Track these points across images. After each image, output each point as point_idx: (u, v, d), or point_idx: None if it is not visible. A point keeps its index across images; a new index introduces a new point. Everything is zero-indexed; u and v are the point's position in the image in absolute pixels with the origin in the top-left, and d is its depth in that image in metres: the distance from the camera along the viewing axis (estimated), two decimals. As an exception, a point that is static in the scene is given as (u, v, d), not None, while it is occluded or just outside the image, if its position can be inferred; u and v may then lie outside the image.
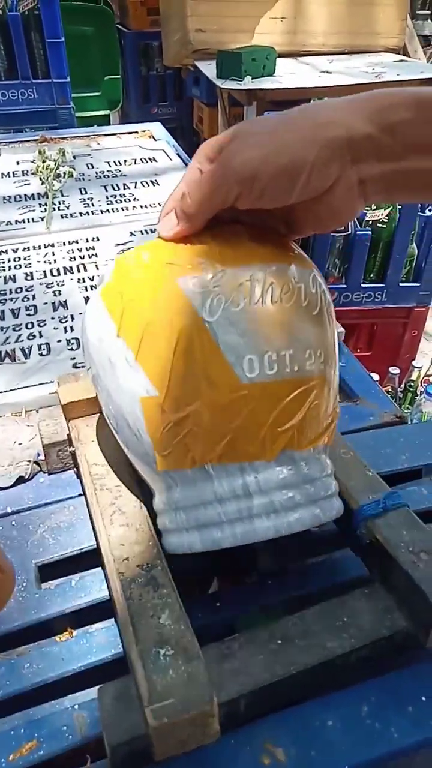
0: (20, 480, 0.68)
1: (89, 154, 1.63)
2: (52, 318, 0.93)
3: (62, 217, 1.26)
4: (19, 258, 1.10)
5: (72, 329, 0.91)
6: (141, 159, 1.59)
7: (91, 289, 1.01)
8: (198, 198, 0.45)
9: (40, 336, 0.89)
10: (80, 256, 1.10)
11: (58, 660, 0.50)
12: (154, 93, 3.52)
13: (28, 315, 0.94)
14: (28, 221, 1.24)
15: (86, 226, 1.22)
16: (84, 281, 1.03)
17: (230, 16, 2.60)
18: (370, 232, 1.59)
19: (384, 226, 1.62)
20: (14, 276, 1.04)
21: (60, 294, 0.99)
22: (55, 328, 0.91)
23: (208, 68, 2.44)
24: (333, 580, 0.55)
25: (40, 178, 1.43)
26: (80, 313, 0.94)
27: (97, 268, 1.06)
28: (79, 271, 1.06)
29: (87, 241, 1.16)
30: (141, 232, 1.20)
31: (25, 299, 0.98)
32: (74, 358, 0.84)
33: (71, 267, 1.07)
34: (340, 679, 0.47)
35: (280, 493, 0.46)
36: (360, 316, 1.71)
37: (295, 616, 0.48)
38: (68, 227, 1.22)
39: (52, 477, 0.69)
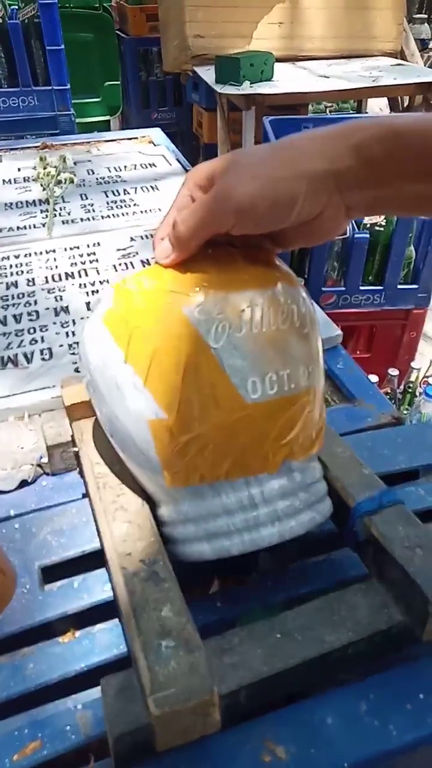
0: (23, 483, 0.70)
1: (89, 160, 1.64)
2: (54, 323, 0.94)
3: (63, 222, 1.28)
4: (21, 264, 1.11)
5: (73, 334, 0.92)
6: (141, 164, 1.61)
7: (93, 294, 1.02)
8: (192, 226, 0.47)
9: (42, 341, 0.90)
10: (81, 262, 1.12)
11: (61, 661, 0.51)
12: (154, 98, 3.54)
13: (30, 320, 0.95)
14: (30, 227, 1.26)
15: (87, 232, 1.24)
16: (85, 286, 1.04)
17: (228, 21, 2.62)
18: (368, 235, 1.60)
19: (382, 229, 1.64)
20: (16, 282, 1.06)
21: (61, 299, 1.01)
22: (57, 333, 0.92)
23: (207, 74, 2.46)
24: (332, 579, 0.56)
25: (41, 185, 1.44)
26: (81, 318, 0.95)
27: (98, 273, 1.08)
28: (80, 276, 1.07)
29: (88, 246, 1.17)
30: (141, 237, 1.21)
31: (27, 305, 0.99)
32: (76, 363, 0.86)
33: (72, 272, 1.08)
34: (339, 674, 0.48)
35: (281, 502, 0.49)
36: (359, 318, 1.72)
37: (293, 611, 0.49)
38: (69, 233, 1.23)
39: (54, 480, 0.70)
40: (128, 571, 0.48)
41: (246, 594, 0.56)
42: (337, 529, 0.56)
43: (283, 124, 1.80)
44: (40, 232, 1.24)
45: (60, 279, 1.06)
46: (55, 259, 1.13)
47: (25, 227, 1.26)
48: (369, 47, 2.82)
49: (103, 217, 1.31)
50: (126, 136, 1.86)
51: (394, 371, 1.65)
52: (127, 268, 1.10)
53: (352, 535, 0.53)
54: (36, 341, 0.90)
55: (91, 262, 1.12)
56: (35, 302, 1.00)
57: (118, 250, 1.16)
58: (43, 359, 0.87)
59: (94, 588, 0.57)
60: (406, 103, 2.78)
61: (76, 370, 0.84)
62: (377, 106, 3.85)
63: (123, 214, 1.32)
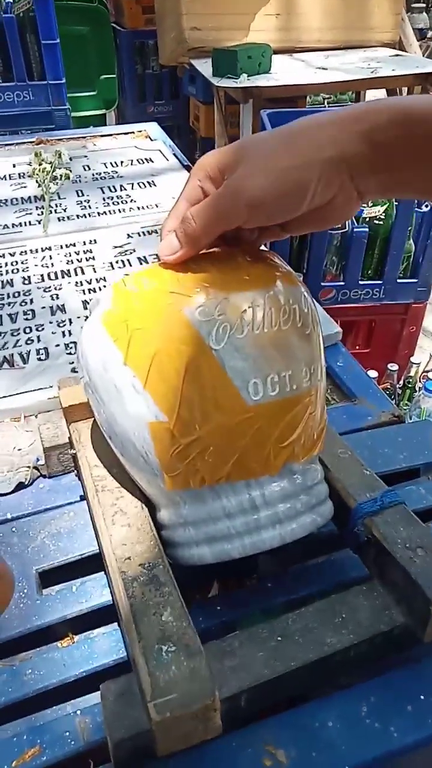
0: (20, 486, 0.69)
1: (85, 156, 1.63)
2: (50, 322, 0.94)
3: (59, 219, 1.27)
4: (17, 262, 1.11)
5: (70, 333, 0.91)
6: (137, 160, 1.60)
7: (89, 293, 1.01)
8: (204, 221, 0.46)
9: (39, 341, 0.90)
10: (78, 260, 1.11)
11: (60, 666, 0.50)
12: (150, 92, 3.51)
13: (26, 320, 0.94)
14: (25, 224, 1.25)
15: (83, 229, 1.23)
16: (81, 284, 1.03)
17: (225, 13, 2.59)
18: (367, 230, 1.59)
19: (381, 222, 1.63)
20: (12, 280, 1.05)
21: (58, 298, 1.00)
22: (53, 333, 0.91)
23: (204, 66, 2.44)
24: (332, 580, 0.56)
25: (37, 181, 1.43)
26: (78, 317, 0.95)
27: (95, 272, 1.07)
28: (76, 275, 1.06)
29: (84, 244, 1.16)
30: (138, 234, 1.20)
31: (23, 303, 0.98)
32: (72, 363, 0.85)
33: (69, 270, 1.07)
34: (340, 676, 0.48)
35: (282, 504, 0.49)
36: (358, 313, 1.72)
37: (294, 613, 0.49)
38: (65, 230, 1.22)
39: (51, 483, 0.70)
40: (128, 576, 0.48)
41: (246, 597, 0.55)
42: (338, 531, 0.56)
43: (281, 117, 1.79)
44: (36, 229, 1.23)
45: (56, 277, 1.06)
46: (50, 257, 1.12)
47: (20, 224, 1.25)
48: (367, 38, 2.80)
49: (99, 214, 1.30)
50: (122, 131, 1.84)
51: (393, 366, 1.64)
52: (124, 265, 1.09)
53: (353, 537, 0.52)
54: (32, 341, 0.90)
55: (87, 259, 1.11)
56: (31, 301, 0.99)
57: (115, 247, 1.15)
58: (40, 359, 0.86)
59: (92, 592, 0.57)
60: (405, 95, 2.76)
61: (73, 370, 0.83)
62: (375, 96, 3.82)
63: (120, 211, 1.31)
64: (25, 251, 1.14)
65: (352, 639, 0.47)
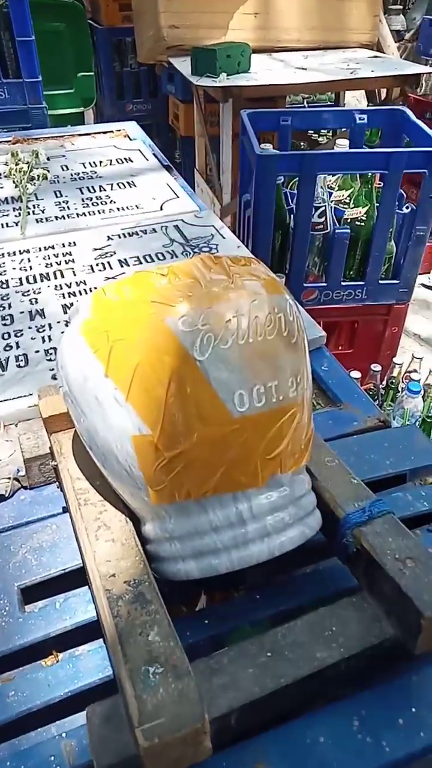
0: (0, 498, 0.67)
1: (63, 155, 1.60)
2: (29, 327, 0.92)
3: (37, 221, 1.24)
4: (-5, 265, 1.08)
5: (50, 339, 0.89)
6: (117, 159, 1.57)
7: (69, 296, 0.99)
8: None
9: (18, 347, 0.88)
10: (57, 262, 1.09)
11: (44, 686, 0.49)
12: (129, 90, 3.47)
13: (4, 325, 0.92)
14: (2, 226, 1.22)
15: (62, 231, 1.20)
16: (61, 288, 1.01)
17: (203, 11, 2.57)
18: (349, 231, 1.59)
19: (362, 224, 1.63)
20: (-10, 283, 1.02)
21: (37, 302, 0.98)
22: (32, 338, 0.89)
23: (183, 65, 2.42)
24: (321, 591, 0.55)
25: (14, 181, 1.40)
26: (58, 322, 0.93)
27: (75, 275, 1.05)
28: (56, 278, 1.04)
29: (63, 246, 1.14)
30: (119, 235, 1.18)
31: (1, 308, 0.96)
32: (53, 369, 0.83)
33: (48, 274, 1.05)
34: (331, 691, 0.47)
35: (271, 517, 0.48)
36: (341, 314, 1.72)
37: (283, 627, 0.48)
38: (44, 232, 1.20)
39: (33, 494, 0.68)
40: (112, 594, 0.46)
41: (234, 610, 0.54)
42: (327, 541, 0.55)
43: (260, 117, 1.78)
44: (13, 231, 1.20)
45: (35, 281, 1.03)
46: (29, 260, 1.09)
47: (-2, 226, 1.22)
48: (345, 39, 2.80)
49: (78, 215, 1.27)
50: (101, 130, 1.82)
51: (376, 367, 1.65)
52: (104, 268, 1.07)
53: (342, 548, 0.52)
54: (11, 347, 0.87)
55: (66, 262, 1.09)
56: (9, 305, 0.97)
57: (95, 249, 1.13)
58: (19, 366, 0.84)
59: (77, 608, 0.56)
60: (383, 96, 2.77)
61: (54, 377, 0.81)
62: (354, 99, 3.84)
63: (99, 212, 1.29)
64: (3, 254, 1.11)
65: (342, 653, 0.46)
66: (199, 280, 0.47)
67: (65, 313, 0.95)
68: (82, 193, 1.38)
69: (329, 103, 3.18)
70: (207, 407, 0.45)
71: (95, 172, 1.49)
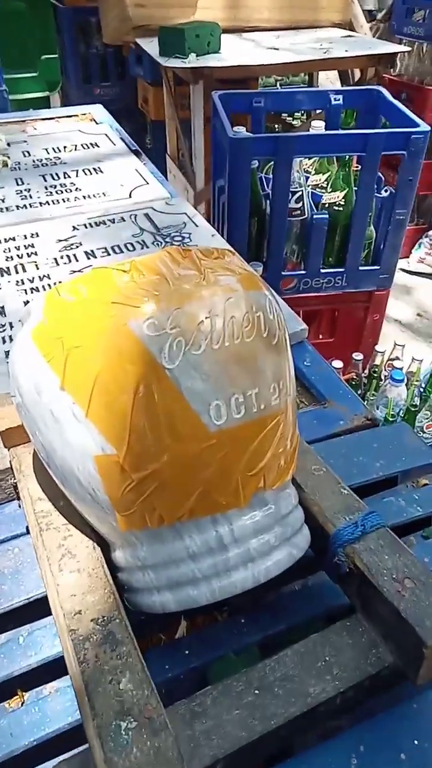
0: (-43, 517, 0.61)
1: (25, 141, 1.51)
2: (-10, 326, 0.85)
3: (-2, 211, 1.16)
4: None
5: (11, 339, 0.83)
6: (82, 145, 1.49)
7: (32, 292, 0.92)
8: None
9: (-23, 348, 0.81)
10: (18, 255, 1.01)
11: (7, 736, 0.44)
12: (95, 72, 3.35)
13: (-38, 324, 0.85)
14: (-40, 217, 1.14)
15: (24, 221, 1.13)
16: (23, 283, 0.94)
17: (170, -10, 2.47)
18: (327, 216, 1.54)
19: (341, 209, 1.58)
20: None
21: (-3, 299, 0.91)
22: (-8, 338, 0.83)
23: (150, 46, 2.32)
24: (311, 611, 0.51)
25: (-28, 169, 1.32)
26: (20, 321, 0.86)
27: (38, 268, 0.98)
28: (17, 272, 0.97)
29: (25, 237, 1.07)
30: (85, 225, 1.11)
31: (-41, 306, 0.89)
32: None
33: (8, 268, 0.98)
34: (326, 726, 0.43)
35: (255, 540, 0.43)
36: (321, 303, 1.67)
37: (272, 659, 0.43)
38: (4, 222, 1.12)
39: (-7, 512, 0.62)
40: (78, 635, 0.41)
41: (217, 637, 0.50)
42: (316, 558, 0.50)
43: (233, 99, 1.71)
44: (-28, 222, 1.12)
45: (-5, 276, 0.96)
46: (-11, 254, 1.02)
47: None
48: (317, 18, 2.72)
49: (41, 204, 1.20)
50: (65, 114, 1.73)
51: (358, 356, 1.61)
52: (70, 261, 1.00)
53: (333, 566, 0.47)
54: (-31, 349, 0.81)
55: (29, 255, 1.02)
56: (-33, 304, 0.89)
57: (59, 241, 1.06)
58: (-22, 370, 0.77)
59: (42, 642, 0.50)
60: (357, 77, 2.72)
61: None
62: (328, 81, 3.77)
63: (64, 200, 1.21)
64: (-40, 248, 1.03)
65: (337, 686, 0.42)
66: (167, 277, 0.41)
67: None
68: (46, 181, 1.30)
69: (302, 85, 3.11)
70: (179, 421, 0.40)
71: (59, 158, 1.41)
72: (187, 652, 0.48)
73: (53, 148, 1.46)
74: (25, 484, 0.53)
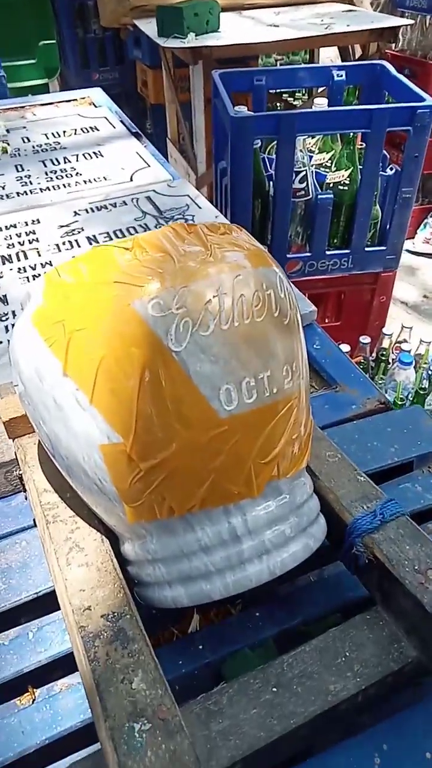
0: (-38, 511, 0.60)
1: (24, 127, 1.48)
2: (-10, 316, 0.83)
3: (-3, 198, 1.14)
4: None
5: (14, 328, 0.80)
6: (82, 129, 1.46)
7: (34, 280, 0.90)
8: None
9: (-23, 338, 0.79)
10: (19, 242, 0.99)
11: (18, 734, 0.42)
12: (94, 57, 3.29)
13: (-37, 314, 0.83)
14: (-42, 205, 1.11)
15: (25, 207, 1.10)
16: (25, 270, 0.92)
17: (167, -32, 2.41)
18: (332, 196, 1.50)
19: (346, 188, 1.54)
20: None
21: (-2, 287, 0.88)
22: (-7, 328, 0.81)
23: (149, 27, 2.27)
24: (329, 604, 0.49)
25: (-30, 156, 1.29)
26: (22, 309, 0.84)
27: (39, 255, 0.96)
28: (18, 260, 0.95)
29: (26, 224, 1.04)
30: (86, 210, 1.09)
31: (-42, 296, 0.87)
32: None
33: (9, 255, 0.96)
34: (347, 725, 0.41)
35: (269, 531, 0.41)
36: (327, 285, 1.64)
37: (290, 655, 0.41)
38: (4, 209, 1.10)
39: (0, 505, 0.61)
40: (88, 632, 0.39)
41: (232, 632, 0.48)
42: (333, 548, 0.48)
43: (233, 78, 1.66)
44: (-30, 210, 1.10)
45: (-5, 264, 0.94)
46: (-12, 242, 1.00)
47: None
48: (318, -7, 2.65)
49: (42, 190, 1.17)
50: (64, 99, 1.69)
51: (365, 339, 1.58)
52: (72, 246, 0.98)
53: (350, 557, 0.45)
54: (-30, 339, 0.79)
55: (30, 242, 0.99)
56: (-33, 293, 0.87)
57: (61, 226, 1.04)
58: (-21, 360, 0.75)
59: (53, 638, 0.49)
60: (359, 53, 2.65)
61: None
62: (329, 59, 3.69)
63: (64, 186, 1.19)
64: (-42, 236, 1.01)
65: (358, 683, 0.40)
66: (171, 254, 0.39)
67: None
68: (46, 167, 1.27)
69: (303, 63, 3.04)
70: (188, 407, 0.37)
71: (59, 143, 1.38)
72: (200, 646, 0.47)
73: (53, 133, 1.43)
74: (31, 476, 0.51)
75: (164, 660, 0.40)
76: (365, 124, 1.41)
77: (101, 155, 1.31)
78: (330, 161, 1.60)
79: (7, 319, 0.83)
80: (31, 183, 1.20)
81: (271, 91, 1.89)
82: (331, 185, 1.55)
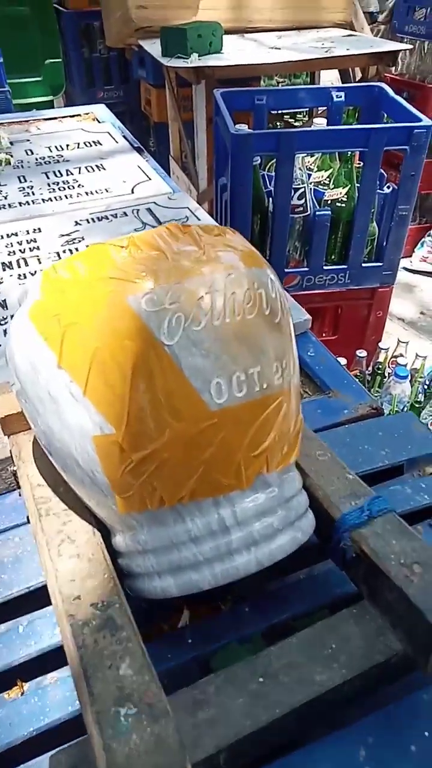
0: (-43, 507, 0.60)
1: (28, 140, 1.51)
2: (-10, 319, 0.84)
3: (0, 207, 1.16)
4: None
5: (12, 323, 0.82)
6: (85, 143, 1.49)
7: (34, 285, 0.92)
8: None
9: (-23, 340, 0.80)
10: (20, 250, 1.01)
11: (5, 726, 0.43)
12: (99, 76, 3.36)
13: (-37, 317, 0.84)
14: (-38, 214, 1.13)
15: (26, 217, 1.12)
16: (25, 277, 0.94)
17: (172, -8, 2.48)
18: (329, 212, 1.53)
19: (343, 205, 1.57)
20: None
21: (-1, 292, 0.90)
22: (-7, 331, 0.82)
23: (153, 47, 2.33)
24: (317, 600, 0.49)
25: (-25, 167, 1.31)
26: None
27: (40, 263, 0.97)
28: (19, 267, 0.96)
29: (27, 233, 1.06)
30: (87, 220, 1.11)
31: (-40, 299, 0.88)
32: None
33: (10, 262, 0.97)
34: (333, 716, 0.41)
35: (258, 523, 0.41)
36: (324, 300, 1.66)
37: (276, 646, 0.42)
38: (6, 218, 1.12)
39: (-7, 501, 0.61)
40: (77, 620, 0.40)
41: (220, 626, 0.48)
42: (322, 544, 0.49)
43: (235, 97, 1.71)
44: (-26, 218, 1.12)
45: (-4, 270, 0.95)
46: (-10, 248, 1.01)
47: None
48: (319, 18, 2.73)
49: (44, 201, 1.19)
50: (68, 114, 1.73)
51: (362, 353, 1.60)
52: (72, 254, 1.00)
53: (338, 552, 0.46)
54: (-30, 341, 0.80)
55: (31, 250, 1.01)
56: (-32, 297, 0.89)
57: (62, 235, 1.06)
58: (-21, 362, 0.76)
59: (43, 631, 0.49)
60: (358, 76, 2.71)
61: (17, 373, 0.74)
62: (329, 82, 3.77)
63: (66, 197, 1.21)
64: (-39, 243, 1.03)
65: (344, 674, 0.40)
66: (165, 252, 0.40)
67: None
68: (48, 178, 1.29)
69: (304, 85, 3.11)
70: (179, 399, 0.38)
71: (62, 156, 1.41)
72: (189, 641, 0.47)
73: (56, 146, 1.46)
74: (25, 471, 0.52)
75: (153, 653, 0.40)
76: (363, 143, 1.44)
77: (103, 168, 1.34)
78: (328, 179, 1.63)
79: (6, 323, 0.84)
80: (33, 193, 1.22)
81: (272, 111, 1.94)
82: (329, 202, 1.58)
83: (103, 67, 3.33)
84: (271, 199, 1.54)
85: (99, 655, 0.38)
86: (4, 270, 0.95)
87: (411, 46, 2.53)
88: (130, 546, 0.43)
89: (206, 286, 0.40)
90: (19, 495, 0.60)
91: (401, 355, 1.61)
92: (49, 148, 1.46)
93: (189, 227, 0.42)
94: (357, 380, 0.75)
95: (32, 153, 1.43)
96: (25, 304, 0.44)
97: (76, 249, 1.01)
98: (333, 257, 1.64)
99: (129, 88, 3.34)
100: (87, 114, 1.71)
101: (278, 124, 2.61)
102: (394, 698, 0.43)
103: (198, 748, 0.37)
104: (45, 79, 3.12)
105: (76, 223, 1.10)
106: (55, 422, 0.41)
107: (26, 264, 0.97)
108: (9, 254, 1.00)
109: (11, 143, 1.46)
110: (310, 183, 1.60)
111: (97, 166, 1.35)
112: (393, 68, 2.65)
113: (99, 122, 1.65)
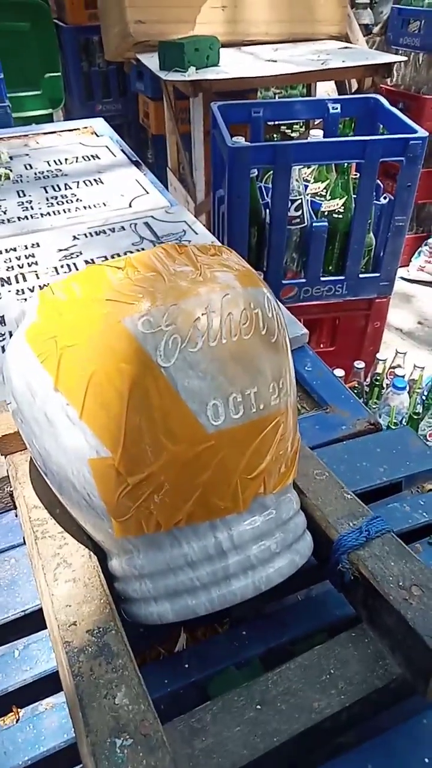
0: None
1: (27, 154, 1.52)
2: (-12, 335, 0.84)
3: (-2, 222, 1.16)
4: None
5: (9, 344, 0.82)
6: (83, 157, 1.50)
7: (31, 301, 0.92)
8: None
9: (-26, 357, 0.80)
10: (19, 265, 1.01)
11: (0, 754, 0.42)
12: (97, 89, 3.39)
13: (-40, 333, 0.84)
14: (-40, 229, 1.14)
15: (25, 232, 1.13)
16: (23, 292, 0.94)
17: (170, 6, 2.50)
18: (326, 224, 1.54)
19: (340, 216, 1.57)
20: None
21: (-4, 308, 0.90)
22: (-10, 347, 0.82)
23: (151, 61, 2.35)
24: (315, 622, 0.49)
25: (-27, 182, 1.32)
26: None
27: (38, 278, 0.97)
28: (17, 282, 0.96)
29: (26, 248, 1.07)
30: (85, 235, 1.11)
31: (-43, 316, 0.88)
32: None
33: (8, 277, 0.98)
34: (332, 743, 0.41)
35: (255, 546, 0.41)
36: (321, 311, 1.66)
37: (274, 672, 0.42)
38: (5, 233, 1.12)
39: (-11, 522, 0.61)
40: (73, 647, 0.39)
41: (218, 650, 0.48)
42: (319, 566, 0.49)
43: (231, 110, 1.72)
44: (-28, 234, 1.12)
45: (-6, 286, 0.96)
46: (-12, 264, 1.02)
47: None
48: (315, 31, 2.75)
49: (42, 215, 1.20)
50: (67, 128, 1.74)
51: (360, 364, 1.60)
52: (70, 269, 1.00)
53: (336, 574, 0.45)
54: (-33, 358, 0.80)
55: (29, 265, 1.01)
56: (-34, 313, 0.89)
57: (60, 250, 1.06)
58: (-25, 379, 0.76)
59: (38, 656, 0.49)
60: (354, 87, 2.73)
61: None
62: (325, 93, 3.80)
63: (65, 211, 1.21)
64: (-41, 258, 1.03)
65: (342, 701, 0.40)
66: (162, 273, 0.40)
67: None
68: (47, 192, 1.30)
69: (300, 96, 3.13)
70: (176, 422, 0.38)
71: (60, 170, 1.42)
72: (186, 665, 0.47)
73: (54, 161, 1.47)
74: (21, 492, 0.52)
75: (150, 678, 0.40)
76: (359, 155, 1.45)
77: (101, 182, 1.34)
78: (325, 190, 1.64)
79: (4, 339, 0.84)
80: (32, 208, 1.23)
81: (269, 123, 1.95)
82: (326, 213, 1.58)
83: (101, 80, 3.37)
84: (268, 210, 1.55)
85: (95, 683, 0.37)
86: (2, 285, 0.96)
87: (406, 58, 2.55)
88: (127, 570, 0.43)
89: (203, 306, 0.39)
90: (16, 515, 0.60)
91: (399, 366, 1.61)
92: (47, 162, 1.46)
93: (185, 247, 0.42)
94: (354, 395, 0.74)
95: (31, 167, 1.43)
96: (22, 325, 0.44)
97: (74, 264, 1.02)
98: (330, 268, 1.64)
99: (127, 101, 3.37)
100: (86, 128, 1.72)
101: (275, 135, 2.62)
102: (394, 723, 0.43)
103: (195, 778, 0.36)
104: (44, 93, 3.15)
105: (75, 238, 1.10)
106: (51, 444, 0.41)
107: (24, 279, 0.97)
108: (7, 269, 1.00)
109: (11, 158, 1.47)
110: (307, 194, 1.60)
111: (95, 179, 1.36)
112: (388, 80, 2.67)
113: (97, 136, 1.66)
